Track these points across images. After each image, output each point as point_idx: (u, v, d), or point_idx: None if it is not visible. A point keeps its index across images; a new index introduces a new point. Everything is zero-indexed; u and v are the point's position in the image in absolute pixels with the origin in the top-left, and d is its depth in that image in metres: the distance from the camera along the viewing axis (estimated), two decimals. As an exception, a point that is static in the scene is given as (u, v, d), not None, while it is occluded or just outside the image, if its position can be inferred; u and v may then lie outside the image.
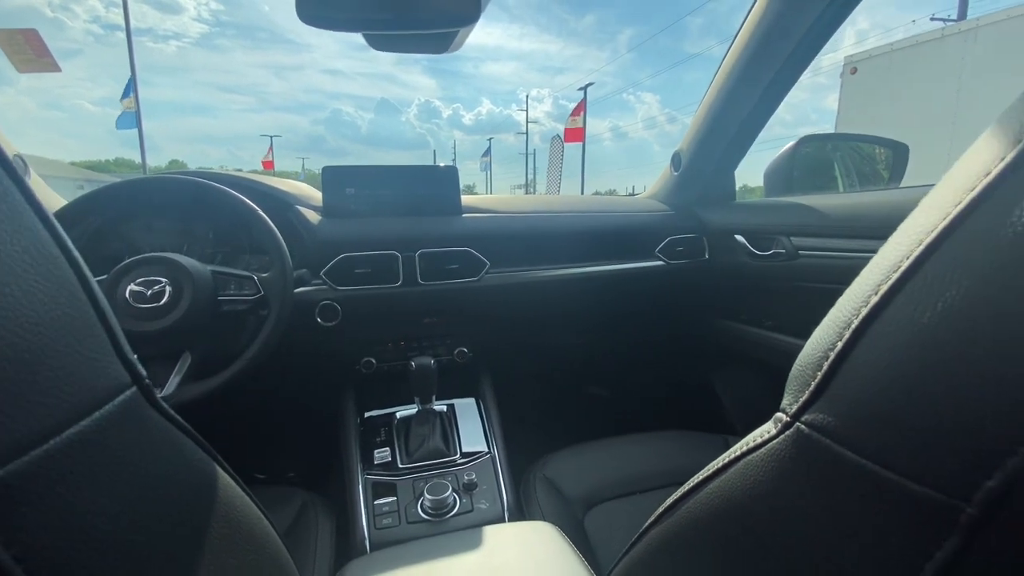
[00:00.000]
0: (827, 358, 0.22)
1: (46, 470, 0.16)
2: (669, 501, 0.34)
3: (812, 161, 1.26)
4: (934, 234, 0.19)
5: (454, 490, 0.77)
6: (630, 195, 1.91)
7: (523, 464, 0.88)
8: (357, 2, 0.76)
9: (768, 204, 1.14)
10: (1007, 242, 0.17)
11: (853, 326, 0.21)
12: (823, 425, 0.22)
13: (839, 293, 0.24)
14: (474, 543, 0.45)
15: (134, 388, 0.21)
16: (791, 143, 1.18)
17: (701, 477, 0.31)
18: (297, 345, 0.87)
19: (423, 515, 0.74)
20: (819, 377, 0.22)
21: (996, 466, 0.16)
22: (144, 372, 0.22)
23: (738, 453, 0.28)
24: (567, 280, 1.08)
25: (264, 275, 0.78)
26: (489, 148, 31.09)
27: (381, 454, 0.86)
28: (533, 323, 1.17)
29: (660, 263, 1.16)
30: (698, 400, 1.33)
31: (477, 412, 0.98)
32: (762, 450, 0.26)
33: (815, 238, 0.98)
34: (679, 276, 1.18)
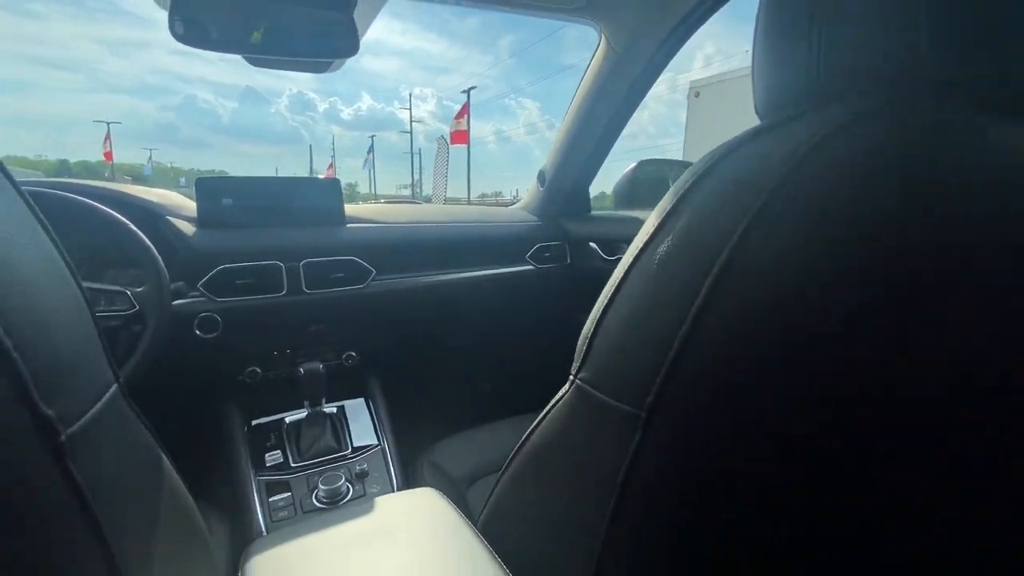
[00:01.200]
0: (589, 332, 0.36)
1: (83, 436, 0.24)
2: (514, 451, 0.47)
3: (650, 180, 1.51)
4: (635, 253, 0.34)
5: (347, 479, 0.84)
6: (515, 198, 2.08)
7: (412, 453, 0.97)
8: (236, 30, 0.80)
9: (615, 216, 1.37)
10: (657, 260, 0.32)
11: (601, 307, 0.36)
12: (587, 378, 0.36)
13: None
14: (364, 511, 0.54)
15: (115, 385, 0.28)
16: (632, 164, 1.42)
17: (531, 428, 0.44)
18: (176, 358, 0.86)
19: (318, 504, 0.79)
20: (585, 346, 0.36)
21: (651, 389, 0.30)
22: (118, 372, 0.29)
23: (549, 407, 0.41)
24: (449, 284, 1.19)
25: (138, 289, 0.78)
26: (372, 146, 30.05)
27: (272, 456, 0.89)
28: (420, 326, 1.26)
29: (530, 267, 1.32)
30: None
31: (367, 410, 1.04)
32: (560, 403, 0.39)
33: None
34: (547, 279, 1.35)
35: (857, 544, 0.26)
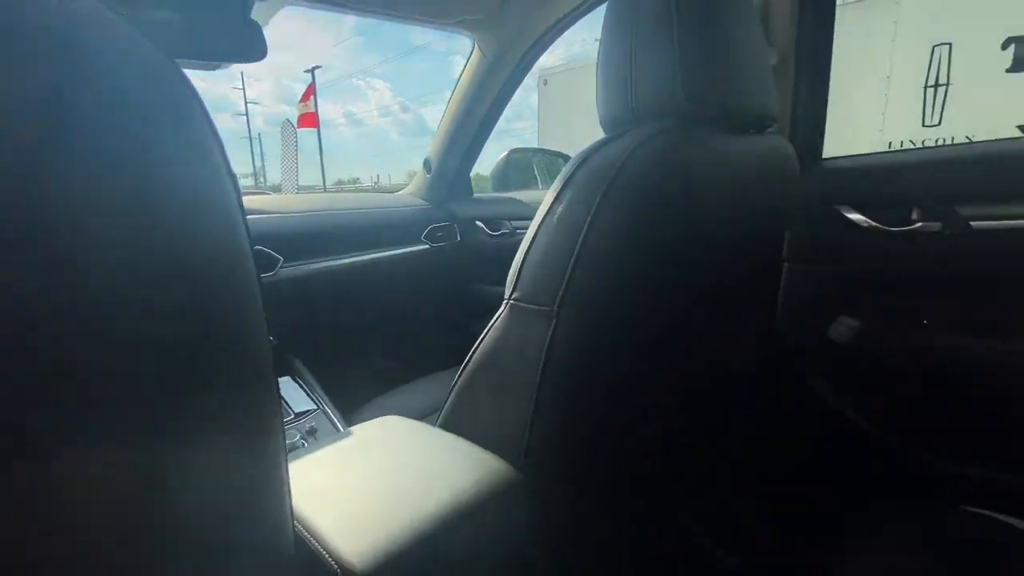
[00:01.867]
0: (516, 269, 0.57)
1: None
2: (463, 365, 0.66)
3: (520, 165, 1.77)
4: (541, 216, 0.56)
5: (301, 437, 0.95)
6: (375, 184, 2.18)
7: (349, 411, 1.09)
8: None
9: (495, 198, 1.59)
10: (556, 219, 0.53)
11: (523, 252, 0.57)
12: (517, 297, 0.57)
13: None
14: (344, 436, 0.68)
15: None
16: (504, 153, 1.65)
17: (475, 345, 0.64)
18: None
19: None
20: (515, 278, 0.57)
21: (557, 294, 0.52)
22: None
23: (488, 327, 0.61)
24: (354, 267, 1.31)
25: None
26: (199, 130, 26.25)
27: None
28: (331, 306, 1.35)
29: (426, 247, 1.49)
30: (470, 340, 1.73)
31: (296, 384, 1.13)
32: (498, 320, 0.60)
33: (524, 220, 1.46)
34: (441, 255, 1.53)
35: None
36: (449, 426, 0.68)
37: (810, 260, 0.91)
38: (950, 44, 4.15)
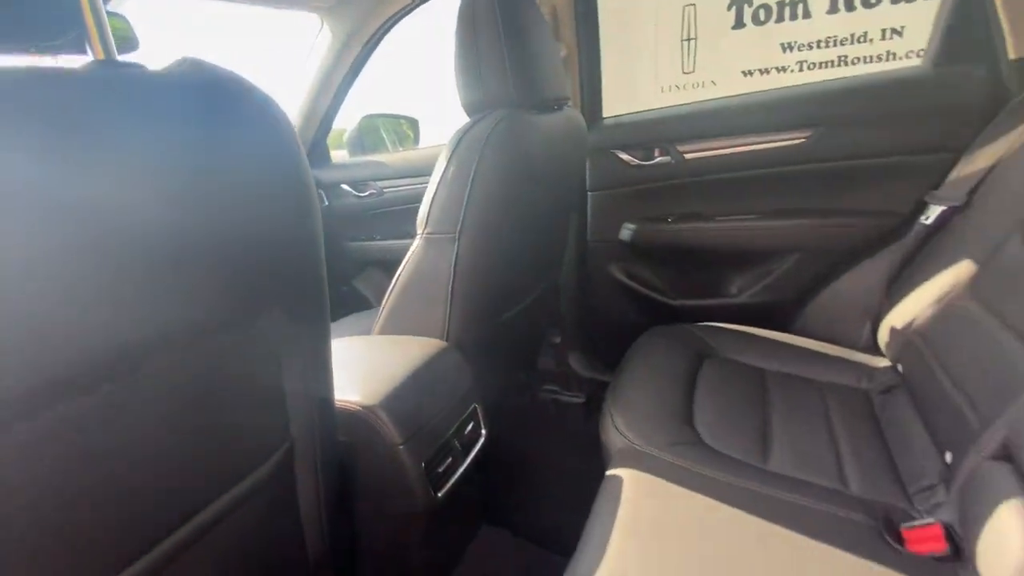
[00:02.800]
0: (425, 212, 0.87)
1: None
2: (385, 296, 0.94)
3: (371, 130, 1.95)
4: (439, 172, 0.85)
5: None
6: None
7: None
8: None
9: (355, 162, 1.78)
10: (450, 173, 0.84)
11: (429, 197, 0.86)
12: (427, 232, 0.87)
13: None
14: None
15: None
16: (358, 120, 1.82)
17: (395, 276, 0.92)
18: None
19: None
20: (426, 217, 0.87)
21: (457, 221, 0.84)
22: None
23: (404, 261, 0.90)
24: None
25: None
26: None
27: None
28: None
29: (299, 213, 1.63)
30: (355, 291, 1.93)
31: None
32: (413, 252, 0.89)
33: (387, 180, 1.69)
34: (314, 219, 1.68)
35: None
36: (386, 333, 0.97)
37: (601, 187, 1.36)
38: (695, 4, 5.19)
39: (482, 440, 0.89)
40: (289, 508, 0.62)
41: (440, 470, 0.77)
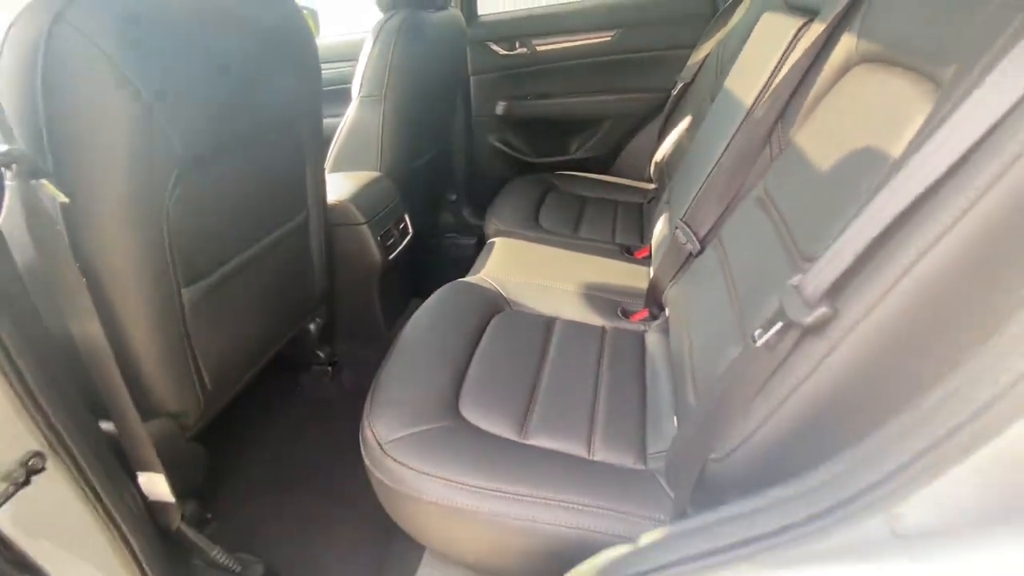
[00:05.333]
0: (360, 78, 1.29)
1: None
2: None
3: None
4: (366, 55, 1.27)
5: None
6: None
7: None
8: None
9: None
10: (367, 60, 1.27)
11: (360, 75, 1.28)
12: (364, 94, 1.30)
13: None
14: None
15: None
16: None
17: (335, 138, 1.34)
18: None
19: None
20: (360, 82, 1.29)
21: (384, 85, 1.28)
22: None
23: (342, 123, 1.33)
24: None
25: None
26: None
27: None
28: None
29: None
30: None
31: None
32: (351, 113, 1.32)
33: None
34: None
35: None
36: (337, 170, 1.40)
37: (479, 72, 1.82)
38: None
39: (409, 236, 1.40)
40: (305, 252, 1.10)
41: (388, 244, 1.29)
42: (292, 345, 1.15)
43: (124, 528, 0.63)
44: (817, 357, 0.42)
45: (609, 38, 1.69)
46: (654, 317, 1.08)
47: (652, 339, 1.00)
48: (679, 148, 1.51)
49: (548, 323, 1.03)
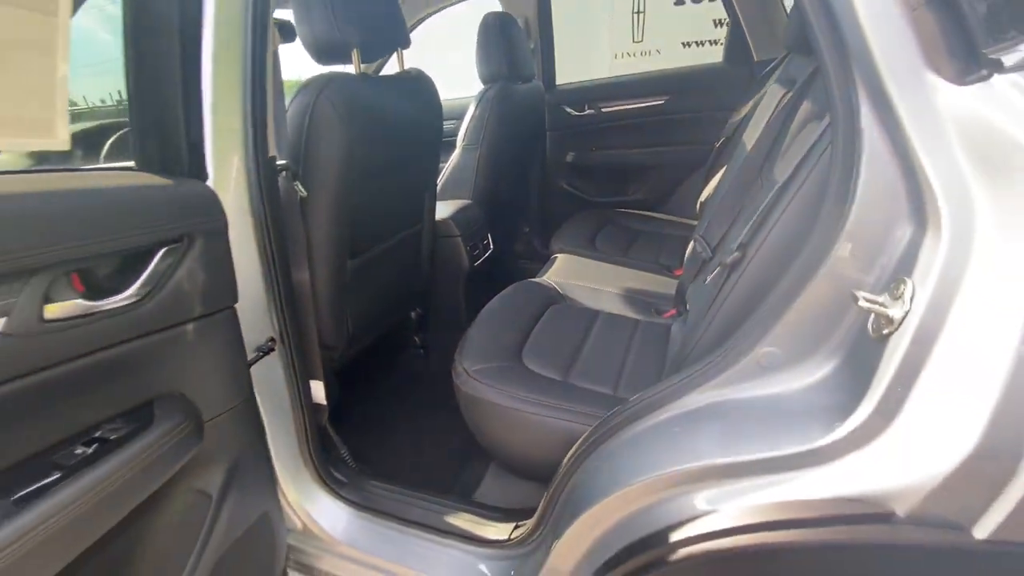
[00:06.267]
0: (462, 130, 1.74)
1: None
2: None
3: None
4: (469, 115, 1.73)
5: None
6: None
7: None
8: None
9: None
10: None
11: (464, 129, 1.73)
12: (465, 145, 1.74)
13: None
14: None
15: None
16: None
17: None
18: None
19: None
20: (463, 132, 1.74)
21: (480, 138, 1.72)
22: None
23: (453, 159, 1.77)
24: None
25: None
26: None
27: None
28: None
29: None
30: None
31: None
32: (455, 154, 1.76)
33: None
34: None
35: None
36: (442, 198, 1.84)
37: (555, 128, 2.24)
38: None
39: (491, 250, 1.79)
40: (418, 253, 1.51)
41: (474, 253, 1.68)
42: (396, 330, 1.55)
43: (304, 408, 1.01)
44: (733, 281, 0.72)
45: (662, 102, 2.05)
46: (680, 315, 1.36)
47: (676, 328, 1.28)
48: (716, 188, 1.80)
49: (593, 314, 1.35)
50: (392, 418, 1.50)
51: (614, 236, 1.90)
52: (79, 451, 0.56)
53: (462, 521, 1.02)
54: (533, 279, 1.49)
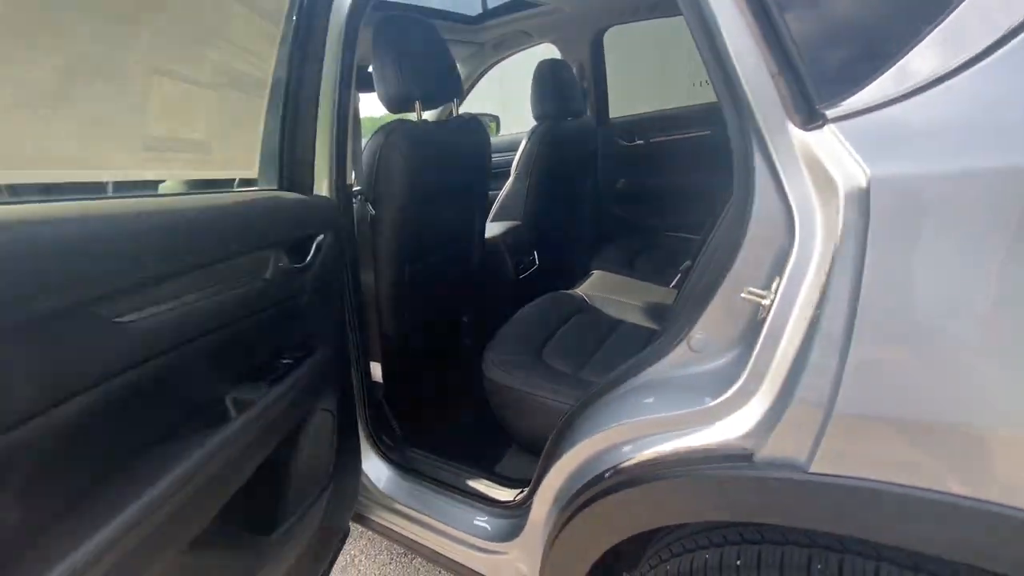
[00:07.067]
0: (516, 160, 1.99)
1: None
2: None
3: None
4: (521, 148, 1.98)
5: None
6: None
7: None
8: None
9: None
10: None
11: (516, 160, 1.99)
12: (516, 175, 1.99)
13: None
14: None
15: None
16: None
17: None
18: None
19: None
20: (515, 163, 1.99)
21: (529, 171, 1.96)
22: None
23: (506, 187, 2.03)
24: None
25: None
26: None
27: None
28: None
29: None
30: None
31: None
32: (508, 182, 2.02)
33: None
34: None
35: None
36: (495, 220, 2.10)
37: (606, 157, 2.43)
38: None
39: (535, 266, 2.00)
40: (469, 264, 1.76)
41: (520, 268, 1.90)
42: (448, 332, 1.80)
43: (365, 383, 1.29)
44: (688, 283, 0.87)
45: (707, 133, 2.17)
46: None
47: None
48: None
49: (615, 323, 1.51)
50: (438, 403, 1.75)
51: (654, 257, 2.03)
52: (286, 360, 0.95)
53: (480, 486, 1.22)
54: (566, 291, 1.68)
